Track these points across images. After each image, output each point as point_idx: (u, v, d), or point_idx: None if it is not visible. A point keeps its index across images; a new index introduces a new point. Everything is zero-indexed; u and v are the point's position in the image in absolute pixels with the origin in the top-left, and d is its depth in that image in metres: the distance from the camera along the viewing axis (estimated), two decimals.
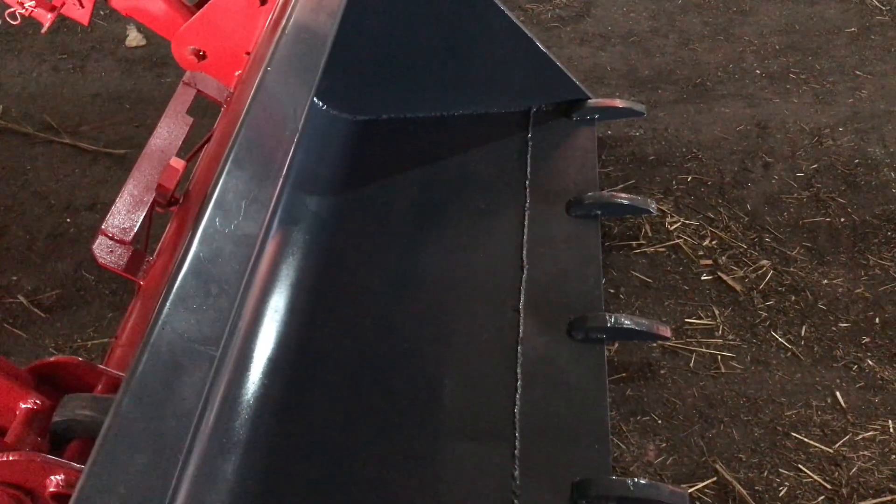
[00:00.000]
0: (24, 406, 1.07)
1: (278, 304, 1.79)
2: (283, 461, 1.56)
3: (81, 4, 1.84)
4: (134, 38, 2.89)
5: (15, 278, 2.08)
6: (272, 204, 1.17)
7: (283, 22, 1.43)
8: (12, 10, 1.77)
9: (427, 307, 1.84)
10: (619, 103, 2.22)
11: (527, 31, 2.12)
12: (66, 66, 2.81)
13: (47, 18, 1.78)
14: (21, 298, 2.03)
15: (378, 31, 2.10)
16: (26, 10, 1.76)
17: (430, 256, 1.94)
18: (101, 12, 2.90)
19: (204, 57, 1.89)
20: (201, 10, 1.85)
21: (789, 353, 1.77)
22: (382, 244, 1.98)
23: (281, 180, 1.21)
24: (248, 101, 1.28)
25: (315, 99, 2.18)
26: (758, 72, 2.52)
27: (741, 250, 1.99)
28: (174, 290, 1.00)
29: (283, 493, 1.49)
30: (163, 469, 0.87)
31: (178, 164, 1.19)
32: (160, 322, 0.97)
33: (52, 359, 1.09)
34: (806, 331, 1.81)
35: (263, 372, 1.66)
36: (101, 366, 1.09)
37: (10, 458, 0.95)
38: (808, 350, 1.77)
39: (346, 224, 2.01)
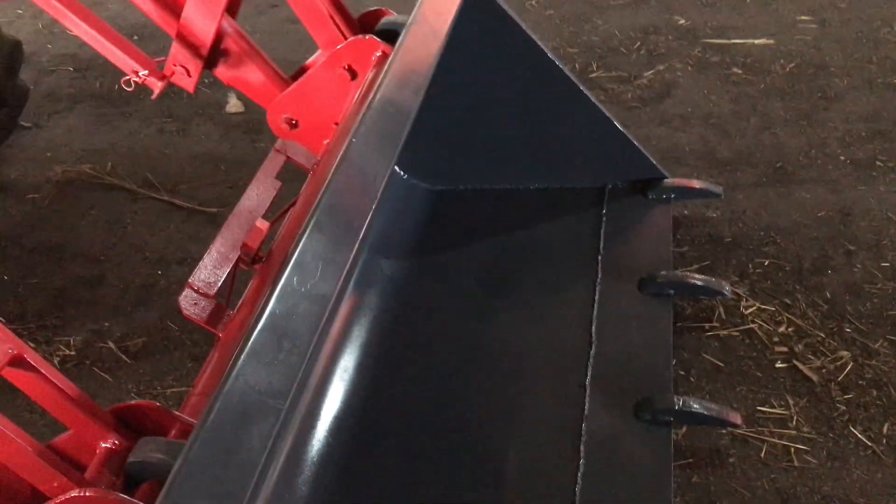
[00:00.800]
0: (103, 445, 1.14)
1: (348, 365, 1.84)
2: None
3: (189, 74, 1.99)
4: (234, 104, 3.08)
5: (107, 325, 2.21)
6: (347, 266, 1.22)
7: (371, 96, 1.52)
8: (128, 78, 1.93)
9: (493, 377, 1.85)
10: (695, 184, 2.23)
11: (604, 111, 2.16)
12: (171, 129, 3.02)
13: (158, 86, 1.93)
14: (110, 344, 2.15)
15: (460, 106, 2.18)
16: (140, 78, 1.91)
17: (498, 326, 1.96)
18: (206, 80, 3.11)
19: (296, 125, 2.00)
20: (297, 82, 1.97)
21: (869, 451, 1.69)
22: (452, 311, 2.01)
23: (357, 245, 1.27)
24: (333, 169, 1.35)
25: (397, 168, 2.27)
26: (841, 158, 2.49)
27: (819, 339, 1.93)
28: (249, 343, 1.06)
29: None
30: None
31: (263, 225, 1.26)
32: (234, 373, 1.02)
33: (132, 402, 1.15)
34: (888, 429, 1.73)
35: (329, 431, 1.70)
36: (176, 412, 1.15)
37: (87, 494, 1.01)
38: (890, 449, 1.69)
39: (419, 290, 2.05)
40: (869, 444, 1.70)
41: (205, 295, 1.27)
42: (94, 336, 2.18)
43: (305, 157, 1.69)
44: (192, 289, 1.27)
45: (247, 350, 1.05)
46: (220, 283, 1.29)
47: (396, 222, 2.20)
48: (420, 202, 2.30)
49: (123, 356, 2.12)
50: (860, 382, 1.83)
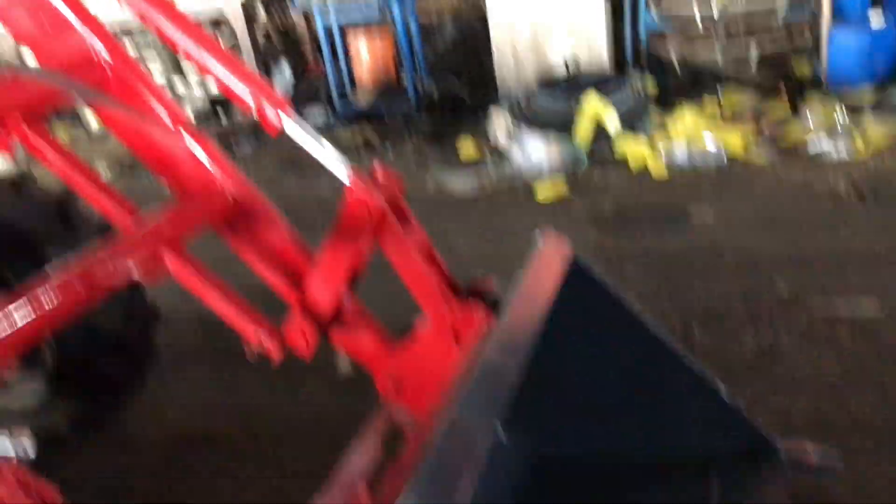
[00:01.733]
0: None
1: None
2: None
3: (307, 341, 2.10)
4: (345, 365, 3.21)
5: None
6: None
7: (473, 361, 1.59)
8: (249, 344, 2.06)
9: None
10: (812, 456, 2.11)
11: (712, 378, 2.13)
12: (282, 388, 3.15)
13: (278, 353, 2.05)
14: None
15: (561, 374, 2.20)
16: (262, 344, 2.04)
17: None
18: None
19: (403, 388, 2.08)
20: (404, 346, 2.08)
21: None
22: None
23: None
24: (434, 434, 1.39)
25: (499, 431, 2.27)
26: None
27: None
28: None
29: None
30: None
31: (363, 492, 1.27)
32: None
33: None
34: None
35: None
36: None
37: None
38: None
39: None
40: None
41: None
42: None
43: (408, 420, 1.74)
44: None
45: None
46: None
47: (495, 487, 2.16)
48: (521, 467, 2.27)
49: None
50: None
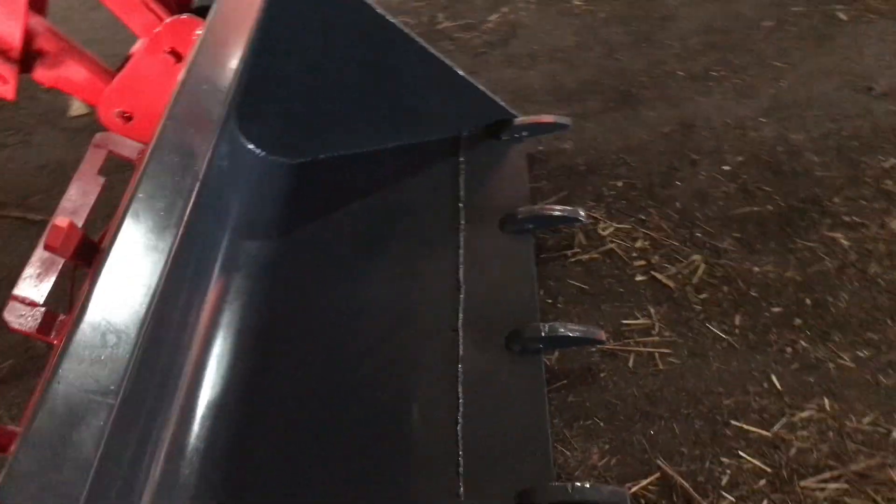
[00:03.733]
0: None
1: (223, 350, 1.82)
2: None
3: (5, 80, 1.89)
4: (77, 107, 2.94)
5: None
6: (171, 252, 1.20)
7: (184, 73, 1.48)
8: None
9: (371, 339, 1.86)
10: (544, 119, 2.27)
11: (447, 61, 2.17)
12: (11, 142, 2.87)
13: None
14: None
15: (302, 76, 2.15)
16: None
17: (371, 289, 1.98)
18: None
19: (130, 118, 1.93)
20: (120, 73, 1.90)
21: (725, 343, 1.79)
22: (325, 281, 2.01)
23: (182, 227, 1.24)
24: (148, 154, 1.32)
25: (252, 146, 2.23)
26: (680, 74, 2.59)
27: (673, 248, 2.02)
28: (70, 343, 1.03)
29: None
30: None
31: (63, 223, 1.22)
32: (56, 376, 1.00)
33: None
34: (740, 319, 1.84)
35: (211, 418, 1.68)
36: (11, 426, 1.12)
37: None
38: (742, 338, 1.80)
39: (289, 266, 2.04)
40: (724, 336, 1.81)
41: (32, 304, 1.23)
42: None
43: (129, 148, 1.64)
44: (18, 300, 1.22)
45: (68, 350, 1.02)
46: (47, 291, 1.24)
47: (259, 202, 2.17)
48: (280, 178, 2.27)
49: None
50: (712, 281, 1.93)
